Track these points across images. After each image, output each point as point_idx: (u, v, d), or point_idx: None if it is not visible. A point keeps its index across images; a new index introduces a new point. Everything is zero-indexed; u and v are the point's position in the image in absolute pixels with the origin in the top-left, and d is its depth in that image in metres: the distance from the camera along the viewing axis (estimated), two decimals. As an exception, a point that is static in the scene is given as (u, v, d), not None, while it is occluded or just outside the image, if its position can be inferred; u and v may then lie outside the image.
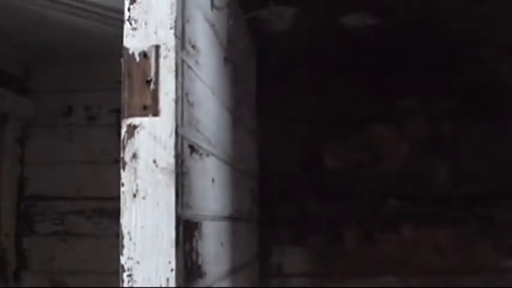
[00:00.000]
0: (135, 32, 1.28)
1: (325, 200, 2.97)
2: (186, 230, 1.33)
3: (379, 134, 3.02)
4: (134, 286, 1.20)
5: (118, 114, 2.11)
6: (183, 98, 1.33)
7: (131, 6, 1.29)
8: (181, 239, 1.26)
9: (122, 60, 1.28)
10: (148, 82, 1.25)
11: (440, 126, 3.00)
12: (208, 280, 1.57)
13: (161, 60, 1.27)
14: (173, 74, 1.26)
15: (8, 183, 3.03)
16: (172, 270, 1.20)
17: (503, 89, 2.97)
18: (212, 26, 1.76)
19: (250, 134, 2.68)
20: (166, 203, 1.22)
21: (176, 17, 1.29)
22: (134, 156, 1.23)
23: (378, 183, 2.97)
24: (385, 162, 2.99)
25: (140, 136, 1.24)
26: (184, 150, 1.34)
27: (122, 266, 1.21)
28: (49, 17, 2.52)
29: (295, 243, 2.95)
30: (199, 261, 1.47)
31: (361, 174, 2.99)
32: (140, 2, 1.29)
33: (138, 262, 1.20)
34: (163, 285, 1.19)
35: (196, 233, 1.44)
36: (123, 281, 1.20)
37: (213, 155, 1.71)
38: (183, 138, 1.32)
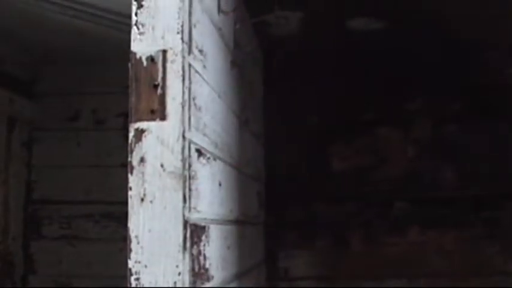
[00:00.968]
0: (142, 37, 1.29)
1: (331, 203, 2.97)
2: (194, 234, 1.33)
3: (385, 136, 3.02)
4: (142, 290, 1.20)
5: (126, 118, 2.12)
6: (190, 102, 1.33)
7: (138, 11, 1.30)
8: (188, 242, 1.27)
9: (130, 64, 1.28)
10: (156, 86, 1.26)
11: (446, 129, 3.00)
12: (215, 284, 1.58)
13: (168, 64, 1.27)
14: (180, 79, 1.27)
15: (15, 187, 3.04)
16: (179, 273, 1.20)
17: (509, 91, 2.96)
18: (219, 30, 1.77)
19: (257, 137, 2.68)
20: (174, 207, 1.22)
21: (183, 22, 1.30)
22: (142, 160, 1.24)
23: (384, 186, 2.97)
24: (391, 165, 2.99)
25: (148, 140, 1.25)
26: (192, 154, 1.34)
27: (130, 270, 1.21)
28: (57, 22, 2.53)
29: (302, 247, 2.95)
30: (207, 265, 1.47)
31: (367, 177, 2.99)
32: (147, 7, 1.30)
33: (145, 266, 1.21)
34: (171, 289, 1.20)
35: (203, 237, 1.45)
36: (130, 284, 1.20)
37: (220, 158, 1.71)
38: (190, 142, 1.32)
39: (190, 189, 1.30)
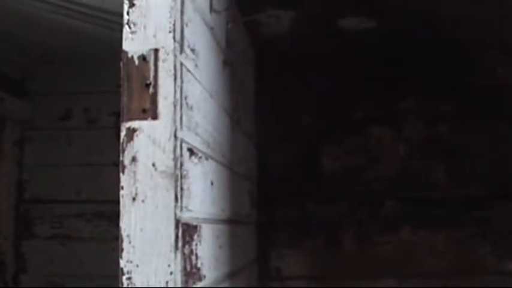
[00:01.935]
0: (134, 36, 1.29)
1: (323, 202, 2.97)
2: (185, 233, 1.33)
3: (377, 136, 3.02)
4: (134, 289, 1.20)
5: (117, 117, 2.11)
6: (182, 102, 1.33)
7: (130, 10, 1.30)
8: (180, 242, 1.27)
9: (121, 63, 1.28)
10: (148, 86, 1.26)
11: (438, 128, 3.00)
12: (207, 283, 1.58)
13: (160, 63, 1.27)
14: (172, 78, 1.26)
15: (7, 186, 3.03)
16: (171, 273, 1.20)
17: (501, 90, 2.97)
18: (211, 29, 1.76)
19: (249, 136, 2.68)
20: (166, 206, 1.22)
21: (175, 21, 1.30)
22: (133, 159, 1.24)
23: (377, 185, 2.97)
24: (383, 165, 2.99)
25: (139, 139, 1.24)
26: (183, 154, 1.34)
27: (122, 269, 1.21)
28: (50, 21, 2.53)
29: (294, 246, 2.95)
30: (199, 264, 1.47)
31: (359, 176, 2.99)
32: (139, 6, 1.29)
33: (137, 265, 1.21)
34: (162, 288, 1.20)
35: (195, 236, 1.44)
36: (122, 284, 1.20)
37: (211, 158, 1.71)
38: (182, 141, 1.32)
39: (182, 189, 1.30)
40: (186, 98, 1.38)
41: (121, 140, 1.25)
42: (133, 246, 1.21)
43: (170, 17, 1.29)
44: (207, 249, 1.59)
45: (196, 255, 1.45)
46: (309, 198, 2.98)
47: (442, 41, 2.82)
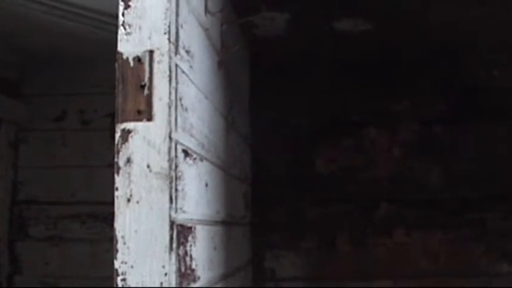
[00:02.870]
0: (129, 37, 1.29)
1: (317, 204, 2.97)
2: (180, 235, 1.34)
3: (372, 138, 3.03)
4: (128, 290, 1.20)
5: (112, 118, 2.11)
6: (176, 103, 1.33)
7: (125, 11, 1.30)
8: (175, 243, 1.27)
9: (116, 65, 1.28)
10: (142, 87, 1.26)
11: (432, 130, 3.01)
12: (201, 284, 1.58)
13: (155, 65, 1.27)
14: (167, 79, 1.27)
15: (1, 187, 3.03)
16: (166, 274, 1.21)
17: (496, 92, 2.98)
18: (206, 30, 1.77)
19: (243, 138, 2.68)
20: (160, 208, 1.23)
21: (170, 22, 1.30)
22: (128, 160, 1.24)
23: (370, 187, 2.98)
24: (378, 167, 3.00)
25: (134, 141, 1.25)
26: (178, 155, 1.34)
27: (116, 271, 1.21)
28: (43, 22, 2.53)
29: (288, 248, 2.96)
30: (193, 266, 1.47)
31: (354, 178, 3.00)
32: (134, 7, 1.30)
33: (132, 266, 1.21)
34: (157, 290, 1.20)
35: (190, 238, 1.45)
36: (117, 285, 1.20)
37: (206, 159, 1.71)
38: (176, 143, 1.32)
39: (176, 190, 1.30)
40: (181, 100, 1.38)
41: (116, 142, 1.25)
42: (128, 248, 1.21)
43: (165, 18, 1.29)
44: (201, 251, 1.59)
45: (191, 256, 1.45)
46: (303, 200, 2.98)
47: (437, 43, 2.82)
